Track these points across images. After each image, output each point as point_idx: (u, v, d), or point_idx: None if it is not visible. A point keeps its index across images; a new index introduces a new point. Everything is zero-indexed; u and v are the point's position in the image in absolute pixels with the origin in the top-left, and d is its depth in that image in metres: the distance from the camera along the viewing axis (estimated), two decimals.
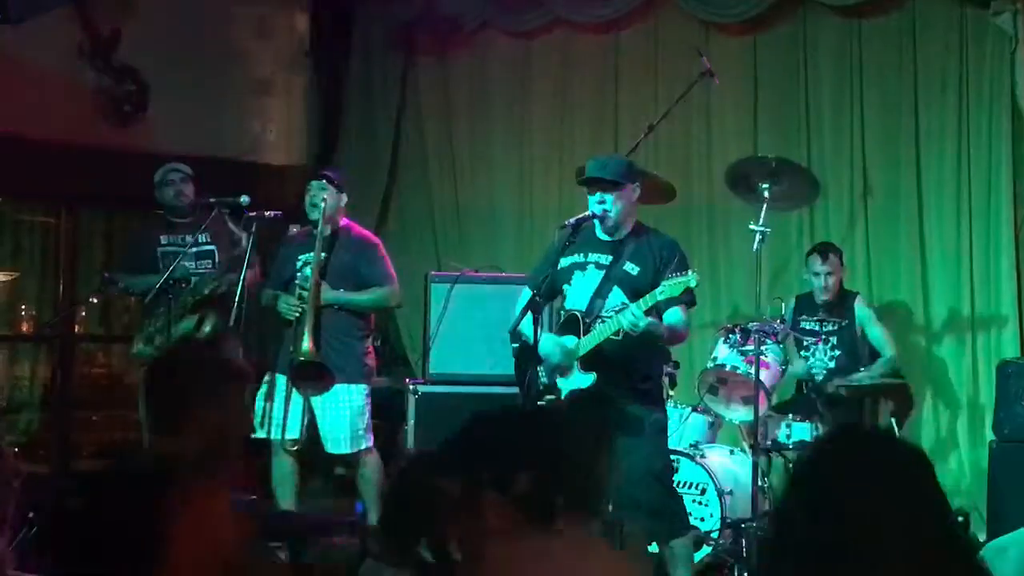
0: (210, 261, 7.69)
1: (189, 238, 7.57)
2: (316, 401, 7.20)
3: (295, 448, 7.22)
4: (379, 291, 7.31)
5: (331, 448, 7.24)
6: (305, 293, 7.10)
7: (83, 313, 9.71)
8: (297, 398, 7.20)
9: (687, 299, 5.99)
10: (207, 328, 7.44)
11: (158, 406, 3.87)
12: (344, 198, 7.36)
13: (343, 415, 7.18)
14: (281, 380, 7.22)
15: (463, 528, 2.59)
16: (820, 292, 7.76)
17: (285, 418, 7.14)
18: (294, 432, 7.19)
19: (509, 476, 2.54)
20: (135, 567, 2.83)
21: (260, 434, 7.18)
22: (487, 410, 2.98)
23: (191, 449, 3.80)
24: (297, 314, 7.07)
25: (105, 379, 9.80)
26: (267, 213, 7.33)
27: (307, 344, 6.96)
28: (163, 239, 7.76)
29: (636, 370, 6.01)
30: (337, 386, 7.11)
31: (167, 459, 3.64)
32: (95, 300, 9.47)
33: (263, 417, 7.12)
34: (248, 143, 9.61)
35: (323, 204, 7.14)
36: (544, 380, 6.05)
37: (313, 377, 7.03)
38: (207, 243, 7.67)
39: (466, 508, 2.55)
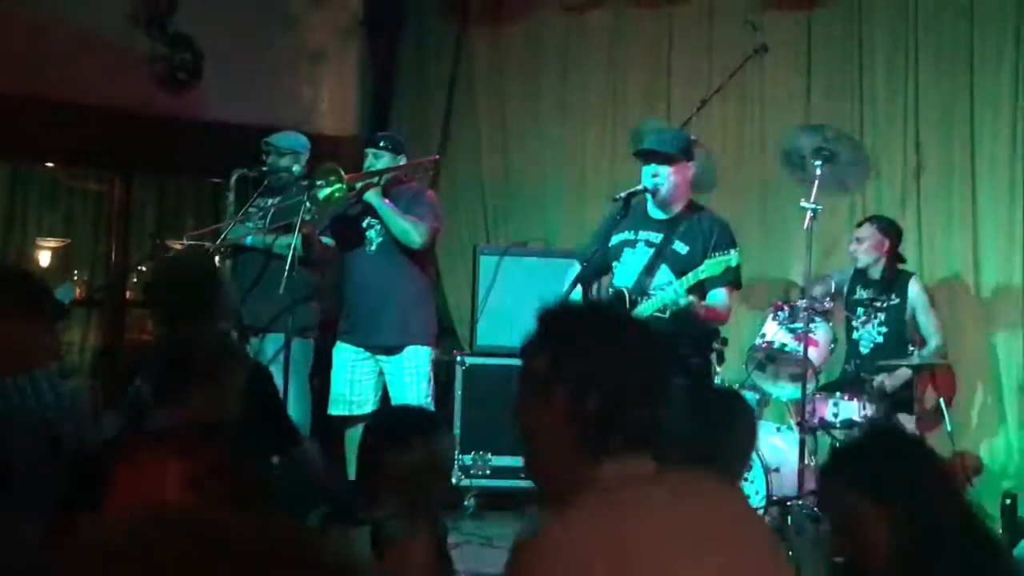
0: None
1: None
2: (387, 366, 7.25)
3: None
4: (412, 220, 7.16)
5: None
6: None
7: (134, 279, 9.77)
8: (370, 369, 7.28)
9: (731, 279, 5.97)
10: None
11: (165, 378, 3.94)
12: (403, 160, 7.38)
13: (412, 381, 7.21)
14: (347, 349, 7.29)
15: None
16: (853, 259, 7.77)
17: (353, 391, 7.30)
18: (372, 406, 7.32)
19: (586, 390, 2.37)
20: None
21: (337, 411, 7.29)
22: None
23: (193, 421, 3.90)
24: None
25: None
26: (320, 182, 7.35)
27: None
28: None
29: (682, 346, 5.99)
30: (407, 348, 7.19)
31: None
32: (145, 268, 9.53)
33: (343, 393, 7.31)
34: (301, 112, 9.64)
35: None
36: None
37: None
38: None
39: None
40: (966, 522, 2.81)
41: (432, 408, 7.29)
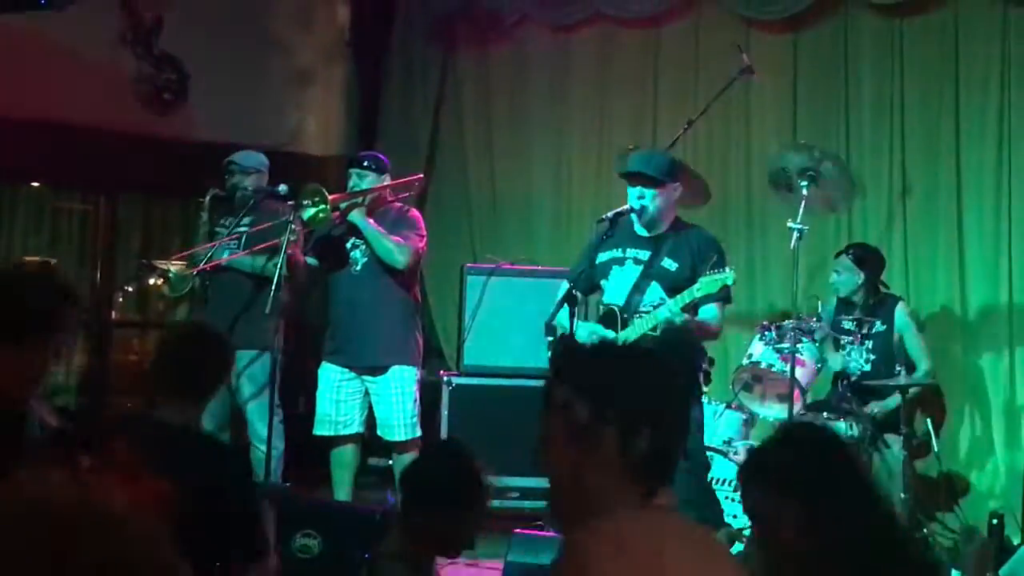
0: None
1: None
2: (373, 386, 7.23)
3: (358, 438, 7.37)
4: (396, 240, 7.15)
5: (386, 435, 7.25)
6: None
7: (120, 299, 9.74)
8: (356, 390, 7.25)
9: (723, 296, 5.99)
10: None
11: (184, 376, 3.99)
12: (387, 179, 7.37)
13: (398, 401, 7.19)
14: (332, 369, 7.27)
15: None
16: (835, 290, 7.76)
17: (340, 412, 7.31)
18: (357, 427, 7.34)
19: (635, 430, 2.40)
20: None
21: (322, 431, 7.27)
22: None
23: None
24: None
25: (141, 365, 9.83)
26: (305, 202, 7.33)
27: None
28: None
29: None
30: (393, 368, 7.18)
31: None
32: (131, 288, 9.50)
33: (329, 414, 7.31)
34: (287, 133, 9.63)
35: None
36: None
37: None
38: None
39: (584, 434, 2.41)
40: (877, 517, 2.84)
41: (418, 433, 7.28)
